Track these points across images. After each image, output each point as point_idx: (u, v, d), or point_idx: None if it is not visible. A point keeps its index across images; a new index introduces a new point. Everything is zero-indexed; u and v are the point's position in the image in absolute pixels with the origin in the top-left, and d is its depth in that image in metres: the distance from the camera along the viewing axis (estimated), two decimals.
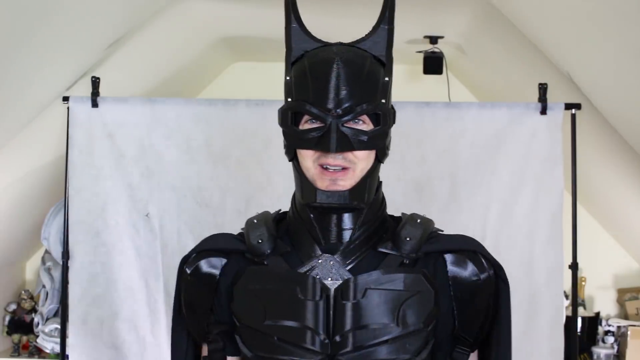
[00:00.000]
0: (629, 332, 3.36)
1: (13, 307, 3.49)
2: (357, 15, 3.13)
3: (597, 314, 3.57)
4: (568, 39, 2.41)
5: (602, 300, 3.76)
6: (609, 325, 3.49)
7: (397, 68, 4.59)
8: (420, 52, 3.45)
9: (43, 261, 3.46)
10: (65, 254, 2.61)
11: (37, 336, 3.37)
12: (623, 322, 3.49)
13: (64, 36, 2.32)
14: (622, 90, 2.39)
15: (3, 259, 3.43)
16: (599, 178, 3.29)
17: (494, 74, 3.59)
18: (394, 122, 1.27)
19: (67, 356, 2.68)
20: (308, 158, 1.21)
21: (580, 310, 3.53)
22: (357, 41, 1.26)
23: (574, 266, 2.59)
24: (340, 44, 1.25)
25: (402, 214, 1.35)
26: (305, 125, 1.21)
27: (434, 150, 2.63)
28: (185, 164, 2.65)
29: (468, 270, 1.27)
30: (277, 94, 2.89)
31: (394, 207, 2.63)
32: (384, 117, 1.22)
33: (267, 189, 2.59)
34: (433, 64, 3.44)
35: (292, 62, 1.24)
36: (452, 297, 1.25)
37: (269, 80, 4.02)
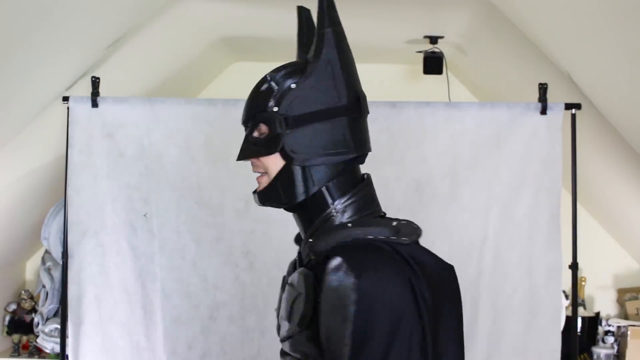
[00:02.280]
0: (629, 332, 3.36)
1: (13, 307, 3.49)
2: (357, 15, 3.14)
3: (597, 314, 3.57)
4: (568, 39, 2.41)
5: (602, 300, 3.76)
6: (609, 325, 3.49)
7: (397, 68, 4.64)
8: (420, 52, 3.45)
9: (43, 261, 3.46)
10: (65, 254, 2.61)
11: (37, 336, 3.37)
12: (623, 322, 3.49)
13: (64, 36, 2.32)
14: (622, 90, 2.39)
15: (3, 259, 3.43)
16: (599, 178, 3.29)
17: (494, 74, 3.59)
18: (276, 130, 1.26)
19: (67, 356, 2.68)
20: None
21: (580, 310, 3.53)
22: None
23: (573, 266, 2.59)
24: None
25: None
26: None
27: (434, 150, 2.63)
28: (185, 163, 2.64)
29: (326, 270, 1.17)
30: None
31: (395, 207, 2.63)
32: (273, 121, 1.27)
33: None
34: (433, 64, 3.44)
35: None
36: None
37: None
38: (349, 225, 1.25)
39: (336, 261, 1.14)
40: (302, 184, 1.26)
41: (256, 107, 1.30)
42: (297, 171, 1.26)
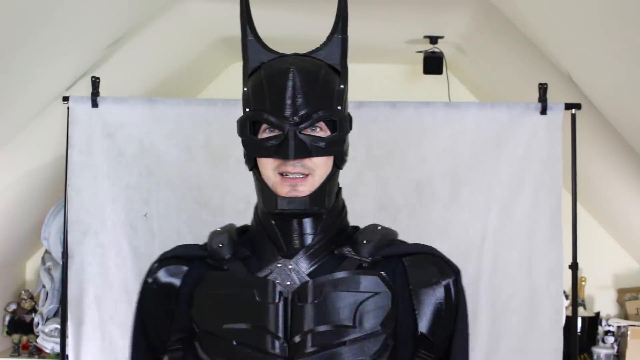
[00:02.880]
0: (629, 332, 3.36)
1: (13, 307, 3.49)
2: (357, 15, 3.14)
3: (597, 314, 3.57)
4: (568, 39, 2.41)
5: (602, 300, 3.76)
6: (609, 325, 3.49)
7: (397, 68, 4.63)
8: (420, 52, 3.45)
9: (43, 261, 3.46)
10: (65, 254, 2.61)
11: (37, 336, 3.37)
12: (623, 322, 3.49)
13: (64, 36, 2.32)
14: (622, 90, 2.39)
15: (3, 259, 3.43)
16: (599, 178, 3.29)
17: (494, 74, 3.59)
18: (350, 129, 1.30)
19: (67, 356, 2.68)
20: (268, 166, 1.23)
21: (580, 310, 3.53)
22: (312, 51, 1.29)
23: (574, 266, 2.59)
24: (296, 54, 1.28)
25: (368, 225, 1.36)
26: (264, 134, 1.23)
27: (434, 150, 2.63)
28: (185, 164, 2.64)
29: (428, 272, 1.27)
30: None
31: (395, 207, 2.65)
32: (341, 124, 1.25)
33: None
34: (433, 64, 3.44)
35: (249, 74, 1.27)
36: (412, 299, 1.24)
37: None
38: (379, 227, 1.33)
39: (443, 264, 1.29)
40: (337, 188, 1.32)
41: (323, 104, 1.22)
42: (337, 175, 1.30)
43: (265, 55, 1.28)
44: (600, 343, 3.47)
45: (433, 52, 3.43)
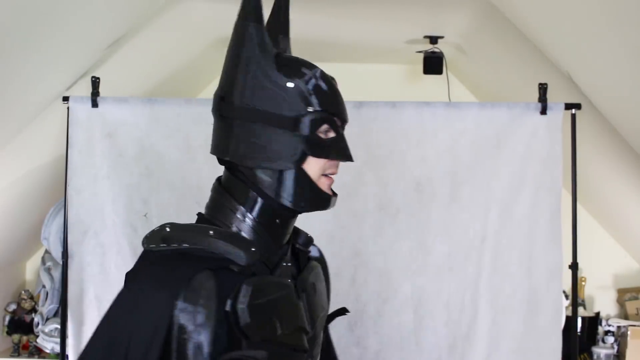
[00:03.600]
0: (629, 332, 3.36)
1: (13, 307, 3.49)
2: (357, 15, 3.14)
3: (597, 314, 3.57)
4: (568, 39, 2.41)
5: (602, 300, 3.76)
6: (609, 325, 3.49)
7: (397, 68, 4.61)
8: (420, 52, 3.45)
9: (43, 261, 3.46)
10: (65, 254, 2.61)
11: (37, 336, 3.37)
12: (623, 322, 3.49)
13: (64, 36, 2.32)
14: (622, 90, 2.39)
15: (3, 259, 3.43)
16: (599, 178, 3.29)
17: (494, 74, 3.59)
18: None
19: (67, 356, 2.68)
20: (317, 167, 1.23)
21: (580, 310, 3.53)
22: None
23: (574, 266, 2.59)
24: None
25: None
26: (321, 135, 1.24)
27: (434, 150, 2.63)
28: (185, 164, 2.64)
29: (321, 256, 1.48)
30: None
31: (395, 207, 2.65)
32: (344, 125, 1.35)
33: None
34: (433, 64, 3.44)
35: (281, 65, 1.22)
36: (327, 278, 1.46)
37: None
38: None
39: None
40: None
41: None
42: None
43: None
44: (600, 343, 3.47)
45: (433, 52, 3.43)
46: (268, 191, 1.22)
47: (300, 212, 1.25)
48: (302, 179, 1.22)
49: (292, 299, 1.21)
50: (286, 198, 1.22)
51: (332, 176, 1.26)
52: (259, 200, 1.23)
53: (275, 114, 1.19)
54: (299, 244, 1.34)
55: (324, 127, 1.23)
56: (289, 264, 1.28)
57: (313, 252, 1.43)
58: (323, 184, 1.24)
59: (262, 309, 1.15)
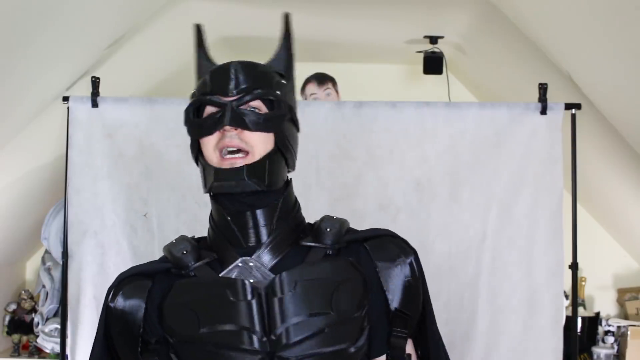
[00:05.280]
0: (629, 332, 3.37)
1: (13, 307, 3.49)
2: (357, 15, 3.14)
3: (597, 314, 3.57)
4: (568, 39, 2.41)
5: (602, 300, 3.76)
6: (609, 325, 3.49)
7: (397, 68, 4.62)
8: (420, 52, 3.46)
9: (43, 261, 3.46)
10: (65, 254, 2.61)
11: (37, 336, 3.37)
12: (623, 322, 3.49)
13: (64, 36, 2.33)
14: (622, 90, 2.39)
15: (3, 259, 3.43)
16: (599, 178, 3.29)
17: (494, 74, 3.60)
18: (298, 130, 1.33)
19: (67, 356, 2.68)
20: (209, 145, 1.23)
21: (580, 310, 3.53)
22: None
23: (574, 266, 2.59)
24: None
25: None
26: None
27: (434, 150, 2.63)
28: (185, 164, 2.61)
29: (392, 252, 1.30)
30: None
31: (395, 207, 2.65)
32: (278, 103, 1.26)
33: None
34: (433, 64, 3.44)
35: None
36: (381, 280, 1.27)
37: None
38: (334, 217, 1.35)
39: (404, 245, 1.33)
40: (283, 177, 1.30)
41: (261, 84, 1.25)
42: (282, 161, 1.28)
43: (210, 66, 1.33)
44: (600, 343, 3.47)
45: (433, 52, 3.43)
46: (202, 183, 1.30)
47: (214, 194, 1.28)
48: (202, 163, 1.26)
49: (223, 297, 1.18)
50: (203, 185, 1.29)
51: (229, 156, 1.22)
52: (211, 199, 1.32)
53: (184, 113, 1.30)
54: (312, 239, 1.27)
55: (206, 110, 1.25)
56: (251, 264, 1.23)
57: (375, 248, 1.30)
58: (219, 162, 1.22)
59: (182, 307, 1.20)
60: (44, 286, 3.42)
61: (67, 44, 2.39)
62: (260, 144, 1.23)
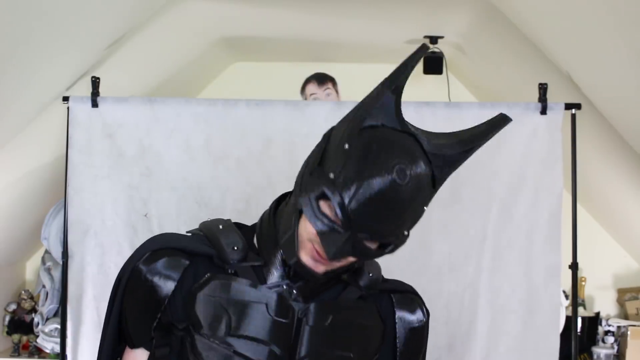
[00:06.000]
0: (629, 332, 3.37)
1: (13, 307, 3.49)
2: (357, 15, 3.14)
3: (597, 314, 3.57)
4: (568, 39, 2.41)
5: (602, 300, 3.76)
6: (609, 325, 3.49)
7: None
8: None
9: (43, 261, 3.46)
10: (65, 254, 2.61)
11: (37, 336, 3.37)
12: (623, 322, 3.49)
13: (64, 36, 2.33)
14: (622, 90, 2.39)
15: (3, 259, 3.43)
16: (599, 178, 3.29)
17: (494, 74, 3.60)
18: None
19: (67, 356, 2.68)
20: (311, 233, 1.14)
21: (580, 310, 3.53)
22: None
23: (573, 266, 2.59)
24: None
25: None
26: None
27: None
28: (185, 164, 2.64)
29: (413, 312, 1.34)
30: (277, 94, 2.90)
31: None
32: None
33: (266, 189, 2.59)
34: (433, 64, 3.44)
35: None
36: (396, 335, 1.31)
37: (269, 80, 4.04)
38: (376, 262, 1.35)
39: (423, 305, 1.37)
40: None
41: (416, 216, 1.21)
42: None
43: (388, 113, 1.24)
44: (600, 343, 3.47)
45: (433, 52, 3.43)
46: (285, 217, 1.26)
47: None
48: (293, 222, 1.20)
49: (260, 309, 1.17)
50: (282, 232, 1.24)
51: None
52: (279, 206, 1.30)
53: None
54: (352, 276, 1.26)
55: (325, 206, 1.15)
56: (297, 284, 1.20)
57: (400, 304, 1.33)
58: (307, 247, 1.16)
59: (216, 304, 1.18)
60: (44, 286, 3.42)
61: (67, 44, 2.39)
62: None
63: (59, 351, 2.79)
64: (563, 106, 2.60)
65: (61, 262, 2.67)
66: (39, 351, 3.39)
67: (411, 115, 2.63)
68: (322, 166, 1.14)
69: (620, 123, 2.61)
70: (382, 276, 1.35)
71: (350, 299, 1.25)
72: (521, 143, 2.60)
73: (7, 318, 3.48)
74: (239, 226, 1.31)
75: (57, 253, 3.09)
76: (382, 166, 1.09)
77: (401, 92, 1.22)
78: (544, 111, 2.58)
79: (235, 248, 1.22)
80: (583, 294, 3.66)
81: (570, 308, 2.75)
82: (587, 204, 3.61)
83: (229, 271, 1.22)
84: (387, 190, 1.08)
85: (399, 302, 1.32)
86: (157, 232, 2.62)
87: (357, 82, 3.58)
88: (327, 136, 1.21)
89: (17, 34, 2.07)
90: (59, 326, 2.94)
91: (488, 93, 3.80)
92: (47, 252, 3.37)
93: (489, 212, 2.61)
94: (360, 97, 2.86)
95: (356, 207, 1.07)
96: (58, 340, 2.95)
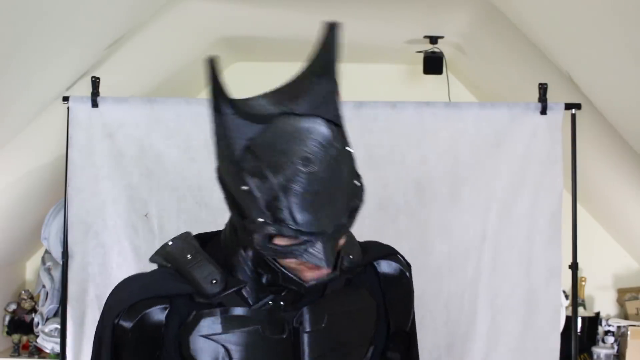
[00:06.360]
0: (629, 332, 3.36)
1: (13, 307, 3.48)
2: (357, 15, 3.14)
3: (597, 314, 3.57)
4: (568, 39, 2.41)
5: (602, 300, 3.76)
6: (609, 325, 3.49)
7: (397, 68, 4.62)
8: (420, 52, 3.45)
9: (43, 261, 3.46)
10: (65, 254, 2.61)
11: (37, 336, 3.37)
12: (623, 322, 3.49)
13: (64, 36, 2.32)
14: (622, 90, 2.39)
15: (3, 259, 3.43)
16: (599, 178, 3.29)
17: (494, 74, 3.59)
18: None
19: (67, 356, 2.68)
20: (291, 261, 1.08)
21: (580, 310, 3.53)
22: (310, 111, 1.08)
23: (573, 266, 2.59)
24: (292, 113, 1.07)
25: None
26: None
27: (434, 150, 2.63)
28: (185, 164, 2.64)
29: (395, 271, 1.33)
30: None
31: (395, 207, 2.65)
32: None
33: None
34: (433, 64, 3.44)
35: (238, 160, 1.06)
36: (386, 303, 1.30)
37: (269, 80, 4.02)
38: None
39: (405, 262, 1.35)
40: None
41: (353, 203, 1.10)
42: None
43: (247, 129, 1.08)
44: (600, 343, 3.47)
45: (433, 52, 3.43)
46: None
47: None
48: (277, 262, 1.14)
49: (256, 332, 1.13)
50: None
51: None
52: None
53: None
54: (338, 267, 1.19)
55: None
56: (283, 294, 1.16)
57: (383, 267, 1.31)
58: (292, 264, 1.10)
59: (211, 341, 1.13)
60: (44, 286, 3.42)
61: (67, 44, 2.39)
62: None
63: (59, 351, 2.79)
64: (563, 106, 2.60)
65: (61, 262, 2.67)
66: (39, 351, 3.39)
67: (411, 115, 2.65)
68: (247, 217, 1.05)
69: (620, 123, 2.61)
70: (359, 243, 1.29)
71: (338, 288, 1.22)
72: (521, 143, 2.60)
73: (7, 318, 3.48)
74: (202, 241, 1.23)
75: (57, 253, 3.09)
76: (290, 166, 1.02)
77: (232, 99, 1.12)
78: (544, 111, 2.58)
79: (214, 281, 1.15)
80: (583, 294, 3.66)
81: (570, 308, 2.75)
82: (587, 204, 3.61)
83: (214, 303, 1.15)
84: (313, 182, 1.01)
85: (382, 269, 1.32)
86: (157, 232, 2.63)
87: (357, 82, 3.59)
88: (222, 183, 1.13)
89: (17, 34, 2.07)
90: (59, 326, 2.94)
91: (488, 93, 3.79)
92: (47, 252, 3.37)
93: (489, 212, 2.61)
94: (360, 97, 2.86)
95: (302, 217, 1.01)
96: (58, 340, 2.95)
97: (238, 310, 1.15)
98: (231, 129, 1.10)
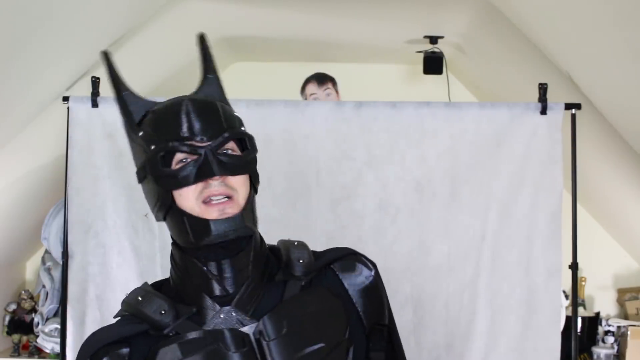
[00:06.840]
0: (629, 332, 3.37)
1: (13, 307, 3.49)
2: (357, 15, 3.14)
3: (597, 314, 3.57)
4: (568, 39, 2.41)
5: (602, 300, 3.76)
6: (609, 325, 3.49)
7: (397, 68, 4.61)
8: (420, 52, 3.46)
9: (43, 261, 3.46)
10: (65, 254, 2.61)
11: (37, 336, 3.37)
12: (623, 322, 3.49)
13: (64, 36, 2.33)
14: (622, 90, 2.39)
15: (3, 259, 3.43)
16: (599, 178, 3.29)
17: (494, 74, 3.60)
18: (256, 150, 1.26)
19: (67, 356, 2.68)
20: (190, 196, 1.15)
21: (580, 310, 3.53)
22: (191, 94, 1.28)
23: (573, 266, 2.59)
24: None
25: (279, 242, 1.32)
26: (177, 166, 1.16)
27: (434, 150, 2.63)
28: None
29: (358, 272, 1.30)
30: (277, 94, 2.90)
31: (395, 207, 2.65)
32: (251, 142, 1.23)
33: (266, 189, 2.58)
34: (433, 64, 3.44)
35: (137, 123, 1.23)
36: (354, 301, 1.28)
37: (269, 80, 4.04)
38: (295, 242, 1.31)
39: (366, 260, 1.31)
40: (256, 212, 1.25)
41: (229, 124, 1.20)
42: (254, 198, 1.24)
43: (145, 104, 1.26)
44: (600, 343, 3.47)
45: (433, 52, 3.43)
46: (173, 238, 1.24)
47: (210, 246, 1.17)
48: (178, 218, 1.18)
49: (217, 352, 1.13)
50: (177, 238, 1.22)
51: (217, 200, 1.15)
52: (175, 249, 1.24)
53: (138, 170, 1.23)
54: (284, 272, 1.24)
55: (175, 159, 1.17)
56: (233, 313, 1.18)
57: (342, 267, 1.30)
58: (206, 211, 1.15)
59: None
60: (44, 286, 3.42)
61: (67, 44, 2.40)
62: (241, 187, 1.18)
63: (59, 351, 2.79)
64: (563, 106, 2.60)
65: (61, 262, 2.67)
66: (39, 351, 3.40)
67: (411, 115, 2.65)
68: (139, 167, 1.23)
69: (620, 123, 2.61)
70: (313, 254, 1.30)
71: (295, 293, 1.22)
72: (521, 143, 2.60)
73: (7, 318, 3.48)
74: (158, 285, 1.29)
75: (57, 253, 3.09)
76: (168, 104, 1.22)
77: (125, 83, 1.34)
78: (544, 111, 2.58)
79: (163, 312, 1.18)
80: (583, 294, 3.66)
81: (570, 308, 2.75)
82: (587, 204, 3.61)
83: (170, 334, 1.17)
84: (180, 104, 1.20)
85: (341, 270, 1.29)
86: (157, 232, 2.62)
87: (357, 82, 3.59)
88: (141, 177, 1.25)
89: (17, 34, 2.07)
90: (59, 326, 2.94)
91: (488, 93, 3.80)
92: (47, 252, 3.38)
93: (489, 212, 2.61)
94: (360, 97, 2.86)
95: (180, 129, 1.16)
96: (58, 340, 2.95)
97: (193, 334, 1.15)
98: (131, 104, 1.27)
